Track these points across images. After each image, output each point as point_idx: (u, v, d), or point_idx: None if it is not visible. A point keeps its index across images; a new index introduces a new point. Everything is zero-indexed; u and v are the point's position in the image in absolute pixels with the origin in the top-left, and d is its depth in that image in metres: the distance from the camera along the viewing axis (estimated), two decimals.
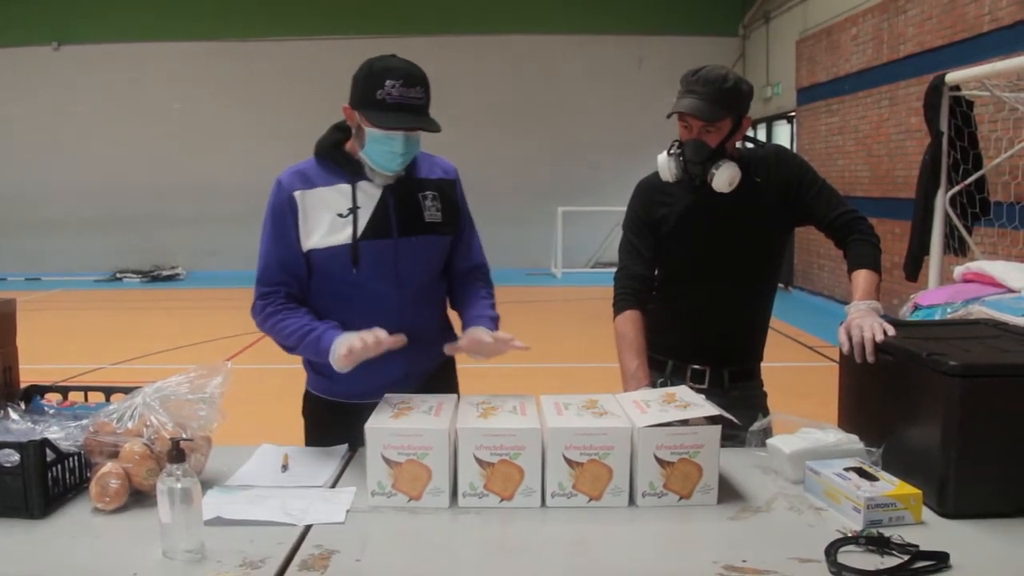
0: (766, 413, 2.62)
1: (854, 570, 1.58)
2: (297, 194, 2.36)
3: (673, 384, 2.55)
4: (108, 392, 2.25)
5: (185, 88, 15.47)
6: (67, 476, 1.96)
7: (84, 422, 2.04)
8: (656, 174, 2.67)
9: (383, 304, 2.33)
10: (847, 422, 2.26)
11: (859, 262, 2.55)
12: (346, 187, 2.36)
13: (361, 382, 2.32)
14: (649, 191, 2.73)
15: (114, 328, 10.62)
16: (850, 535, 1.72)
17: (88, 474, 1.97)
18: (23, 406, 2.21)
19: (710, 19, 15.33)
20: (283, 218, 2.36)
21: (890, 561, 1.63)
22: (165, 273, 15.50)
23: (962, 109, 4.86)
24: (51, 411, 2.22)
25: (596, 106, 15.43)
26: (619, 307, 2.70)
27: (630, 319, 2.66)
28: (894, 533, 1.70)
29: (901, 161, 9.25)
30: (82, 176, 15.45)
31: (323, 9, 15.20)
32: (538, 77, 15.37)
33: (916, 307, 3.73)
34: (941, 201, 4.91)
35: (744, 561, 1.64)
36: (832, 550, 1.65)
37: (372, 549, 1.75)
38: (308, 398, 2.57)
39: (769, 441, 2.18)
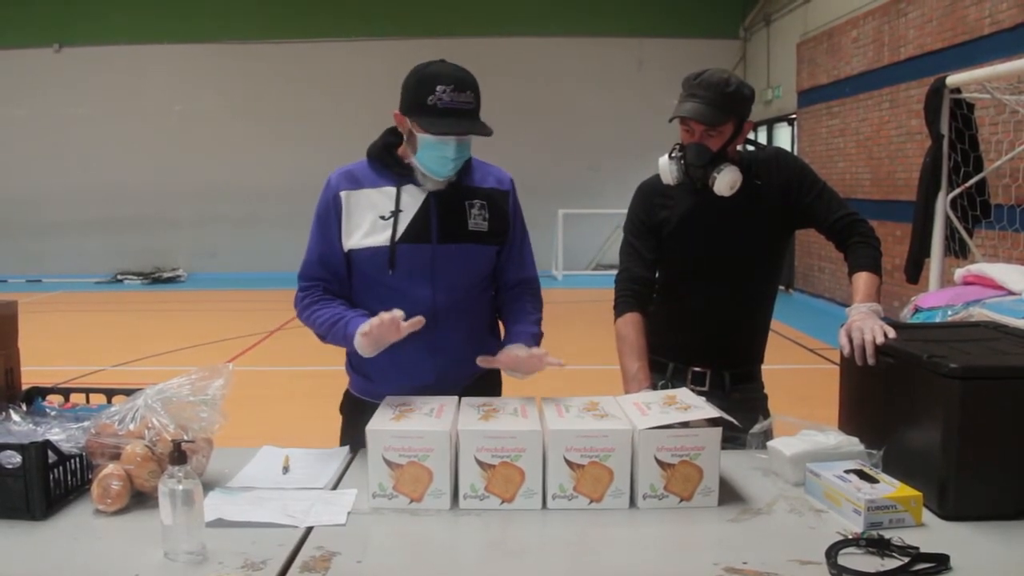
0: (767, 415, 2.62)
1: (854, 572, 1.58)
2: (343, 194, 2.39)
3: (674, 386, 2.56)
4: (110, 394, 2.25)
5: (186, 90, 15.49)
6: (69, 478, 1.96)
7: (86, 424, 2.04)
8: (657, 176, 2.67)
9: (418, 309, 2.29)
10: (848, 424, 2.26)
11: (859, 264, 2.56)
12: (391, 189, 2.39)
13: (398, 385, 2.32)
14: (650, 194, 2.73)
15: (115, 330, 10.63)
16: (851, 537, 1.72)
17: (90, 476, 1.97)
18: (25, 408, 2.21)
19: (711, 21, 15.34)
20: (327, 216, 2.41)
21: (890, 563, 1.63)
22: (166, 275, 15.51)
23: (963, 112, 4.85)
24: (53, 413, 2.22)
25: (596, 108, 15.43)
26: (620, 309, 2.70)
27: (631, 321, 2.66)
28: (894, 535, 1.70)
29: (902, 163, 9.25)
30: (83, 178, 15.46)
31: (324, 12, 15.20)
32: (538, 79, 15.37)
33: (917, 309, 3.72)
34: (942, 203, 4.90)
35: (745, 563, 1.64)
36: (833, 552, 1.65)
37: (373, 551, 1.75)
38: (347, 397, 2.61)
39: (770, 443, 2.18)
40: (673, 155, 2.62)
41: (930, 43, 8.68)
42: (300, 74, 15.27)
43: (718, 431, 1.96)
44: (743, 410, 2.44)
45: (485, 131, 2.28)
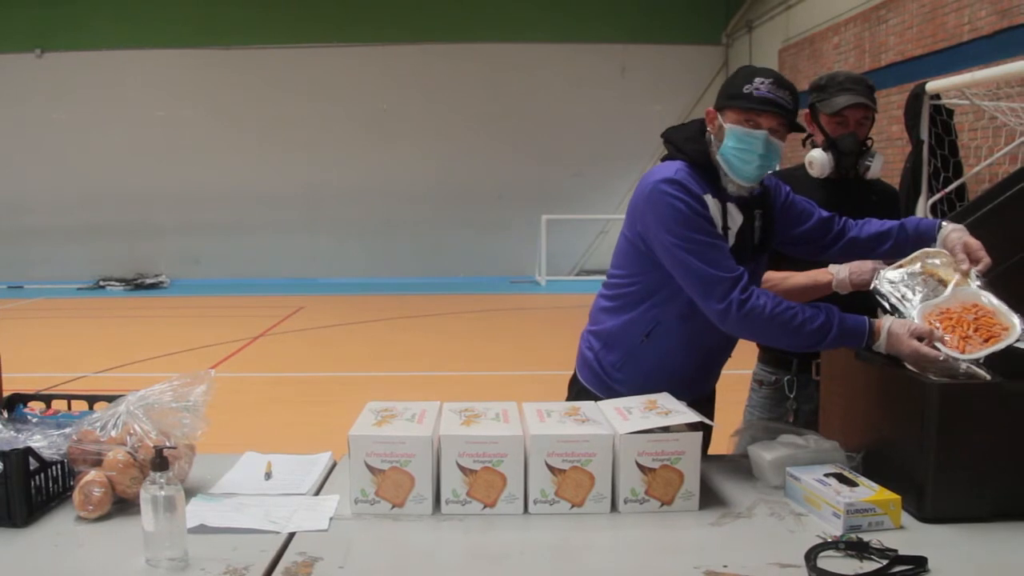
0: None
1: (834, 575, 1.59)
2: (705, 196, 2.22)
3: (799, 381, 2.67)
4: (91, 400, 2.24)
5: (168, 96, 15.43)
6: (50, 485, 1.95)
7: (67, 430, 2.03)
8: (786, 171, 2.76)
9: (712, 325, 2.21)
10: (827, 428, 2.28)
11: None
12: (718, 203, 2.24)
13: (632, 386, 2.29)
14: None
15: (97, 336, 10.56)
16: (830, 540, 1.73)
17: (71, 482, 1.96)
18: (6, 415, 2.20)
19: (693, 28, 15.42)
20: (705, 217, 2.20)
21: (869, 566, 1.64)
22: (148, 281, 15.43)
23: (942, 118, 4.90)
24: (34, 420, 2.21)
25: (580, 114, 15.45)
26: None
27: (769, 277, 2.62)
28: (873, 538, 1.72)
29: (883, 169, 9.29)
30: (65, 184, 15.38)
31: (306, 17, 15.18)
32: (522, 85, 15.39)
33: None
34: (922, 208, 4.95)
35: (725, 567, 1.66)
36: (812, 555, 1.66)
37: (355, 556, 1.76)
38: (575, 384, 2.57)
39: (750, 448, 2.19)
40: (825, 148, 2.69)
41: (910, 49, 8.76)
42: (283, 80, 15.24)
43: (698, 435, 1.98)
44: None
45: (797, 127, 2.23)
